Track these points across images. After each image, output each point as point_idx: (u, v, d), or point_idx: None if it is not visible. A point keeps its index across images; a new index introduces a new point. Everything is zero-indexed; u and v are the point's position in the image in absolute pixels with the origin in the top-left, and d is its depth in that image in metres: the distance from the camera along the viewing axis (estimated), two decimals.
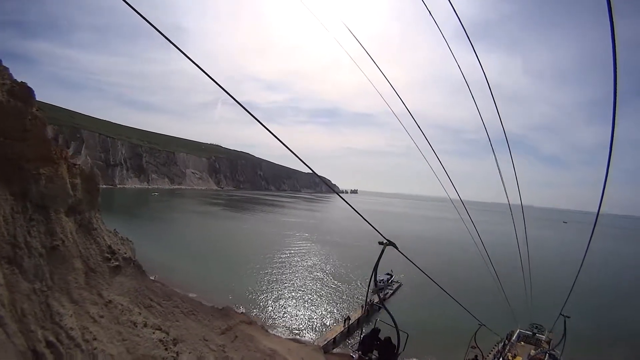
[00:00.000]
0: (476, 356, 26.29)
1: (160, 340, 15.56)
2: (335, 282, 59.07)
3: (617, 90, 3.57)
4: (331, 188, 8.81)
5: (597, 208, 5.51)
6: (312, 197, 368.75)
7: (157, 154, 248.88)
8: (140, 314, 16.06)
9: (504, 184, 11.42)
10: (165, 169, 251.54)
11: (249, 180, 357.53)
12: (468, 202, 20.33)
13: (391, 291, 55.33)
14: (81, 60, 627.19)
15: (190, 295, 40.97)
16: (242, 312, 39.37)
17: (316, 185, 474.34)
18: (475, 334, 22.69)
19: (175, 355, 15.48)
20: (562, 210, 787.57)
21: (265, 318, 42.22)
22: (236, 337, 27.67)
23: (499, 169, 10.86)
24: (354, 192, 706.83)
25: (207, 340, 20.46)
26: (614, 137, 4.23)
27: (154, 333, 15.68)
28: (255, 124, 4.95)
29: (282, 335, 37.66)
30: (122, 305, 14.92)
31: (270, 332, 37.72)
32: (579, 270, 8.90)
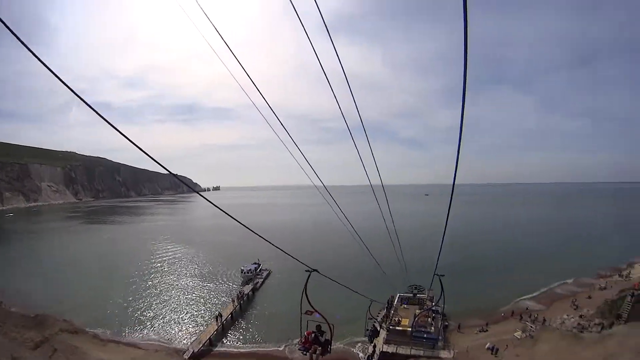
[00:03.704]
0: (374, 325, 31.97)
1: None
2: (202, 281, 57.16)
3: (467, 78, 4.18)
4: (192, 188, 8.39)
5: (453, 179, 6.53)
6: (174, 198, 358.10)
7: (9, 167, 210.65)
8: None
9: (364, 167, 12.43)
10: (18, 184, 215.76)
11: (108, 188, 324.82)
12: (333, 187, 21.40)
13: (261, 280, 55.36)
14: None
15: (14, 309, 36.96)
16: (63, 320, 34.46)
17: (178, 186, 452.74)
18: (369, 308, 30.38)
19: None
20: (424, 185, 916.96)
21: (116, 327, 38.43)
22: (55, 350, 24.03)
23: (358, 153, 11.63)
24: (217, 189, 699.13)
25: (15, 359, 17.40)
26: (463, 118, 4.96)
27: None
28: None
29: (140, 342, 34.81)
30: None
31: (118, 340, 34.45)
32: (444, 234, 9.97)
